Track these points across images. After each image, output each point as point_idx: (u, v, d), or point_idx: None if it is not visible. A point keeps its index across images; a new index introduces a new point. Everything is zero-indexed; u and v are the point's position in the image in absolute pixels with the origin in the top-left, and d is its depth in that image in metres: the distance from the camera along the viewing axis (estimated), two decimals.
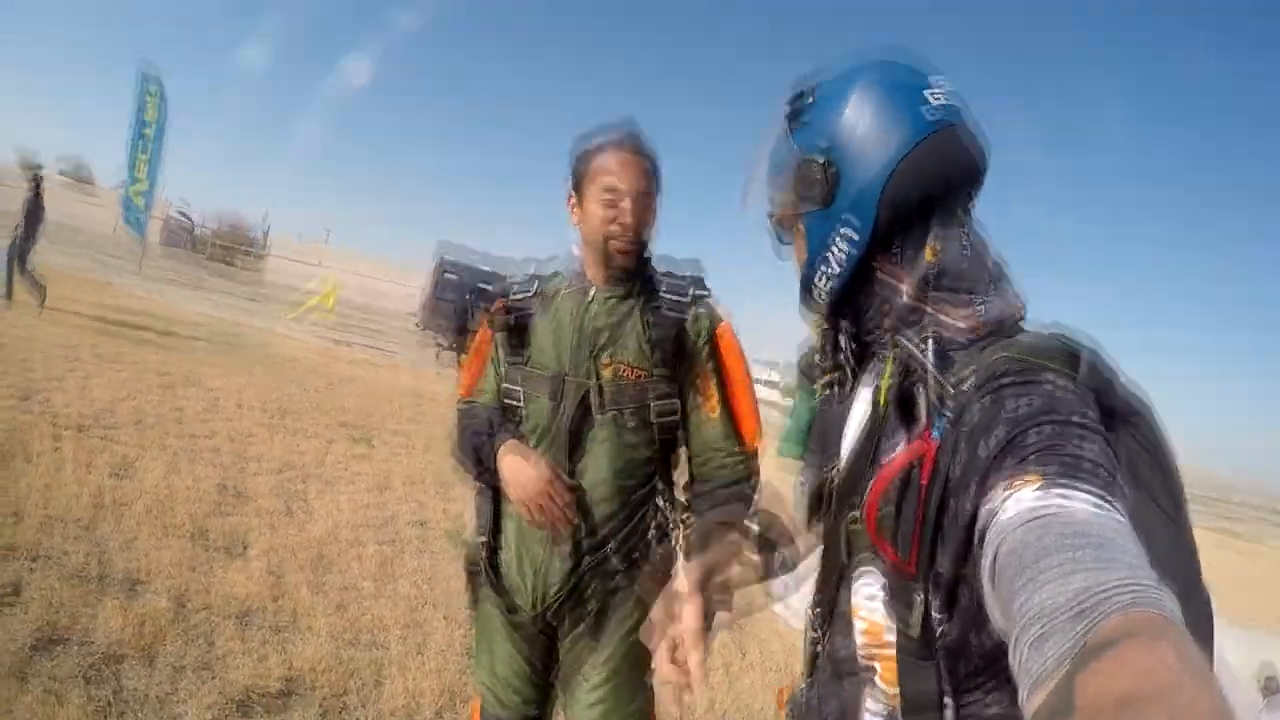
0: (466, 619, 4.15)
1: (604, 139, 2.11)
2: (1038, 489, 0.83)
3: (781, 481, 1.68)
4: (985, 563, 0.85)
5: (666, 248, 2.23)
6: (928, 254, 1.14)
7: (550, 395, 2.08)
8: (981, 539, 0.88)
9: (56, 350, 9.03)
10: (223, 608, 3.76)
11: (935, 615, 1.02)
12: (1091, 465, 0.85)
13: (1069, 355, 1.00)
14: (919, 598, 1.02)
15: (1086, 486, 0.82)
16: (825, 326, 1.31)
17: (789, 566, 1.51)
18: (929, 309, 1.14)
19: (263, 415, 8.15)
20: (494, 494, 2.18)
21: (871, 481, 1.10)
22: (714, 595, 1.39)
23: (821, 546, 1.32)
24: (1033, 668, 0.68)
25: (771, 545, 1.49)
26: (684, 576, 1.37)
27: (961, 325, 1.12)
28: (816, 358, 1.34)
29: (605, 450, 2.06)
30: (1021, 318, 1.15)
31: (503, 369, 2.21)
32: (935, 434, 1.01)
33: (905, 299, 1.16)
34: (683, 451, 2.19)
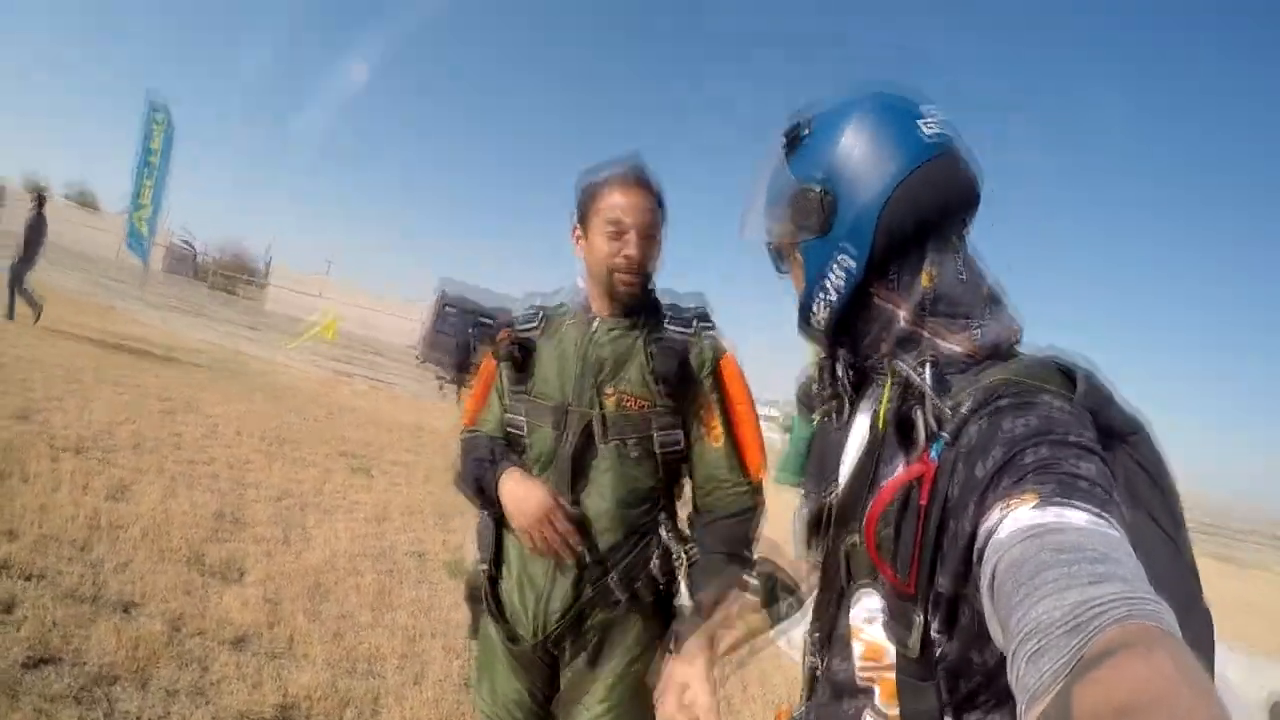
0: (465, 650, 4.11)
1: (609, 172, 2.12)
2: (1034, 507, 0.83)
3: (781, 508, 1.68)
4: (984, 580, 0.85)
5: (669, 283, 2.24)
6: (924, 279, 1.16)
7: (553, 424, 2.08)
8: (980, 557, 0.88)
9: (57, 371, 9.03)
10: (218, 633, 3.70)
11: (935, 635, 1.03)
12: (1088, 484, 0.85)
13: (1066, 376, 1.03)
14: (918, 618, 1.03)
15: (1083, 504, 0.82)
16: (823, 353, 1.33)
17: (793, 612, 1.53)
18: (926, 333, 1.16)
19: (261, 443, 8.10)
20: (496, 522, 2.17)
21: (870, 503, 1.10)
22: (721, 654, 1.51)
23: (820, 570, 1.33)
24: (1029, 682, 0.68)
25: (775, 598, 1.54)
26: (691, 641, 1.51)
27: (958, 349, 1.14)
28: (814, 386, 1.36)
29: (608, 480, 2.05)
30: (1018, 341, 1.17)
31: (506, 398, 2.22)
32: (934, 455, 1.02)
33: (903, 324, 1.17)
34: (687, 482, 2.18)
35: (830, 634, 1.25)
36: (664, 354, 2.03)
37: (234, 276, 53.48)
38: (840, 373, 1.30)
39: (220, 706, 3.08)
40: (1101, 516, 0.81)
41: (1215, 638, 0.99)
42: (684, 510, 2.19)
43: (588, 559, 2.03)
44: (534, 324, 2.20)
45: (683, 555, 2.06)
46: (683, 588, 2.04)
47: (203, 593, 4.12)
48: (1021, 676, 0.70)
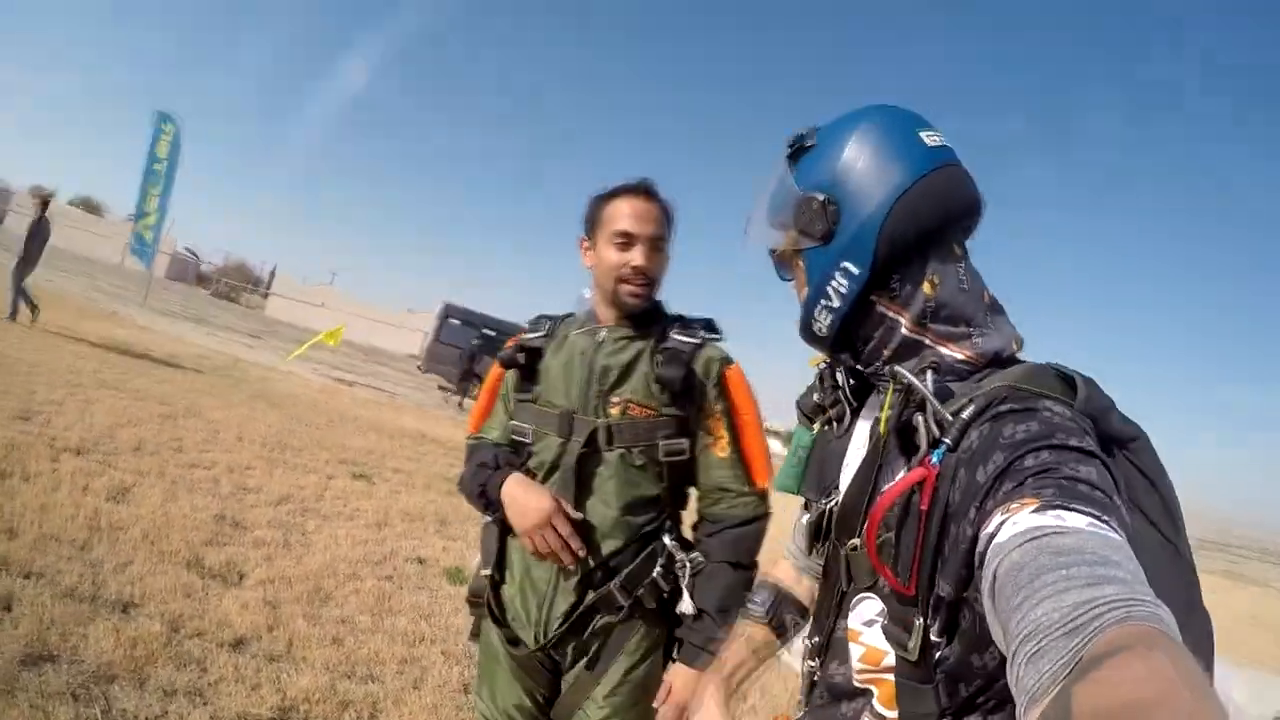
0: (464, 656, 4.09)
1: (619, 185, 2.14)
2: (1034, 511, 0.83)
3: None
4: (984, 584, 0.85)
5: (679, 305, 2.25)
6: (926, 288, 1.18)
7: (559, 432, 2.08)
8: (981, 561, 0.88)
9: (59, 374, 9.05)
10: (216, 635, 3.67)
11: (934, 639, 1.04)
12: (1088, 488, 0.86)
13: (1066, 384, 1.04)
14: (918, 621, 1.04)
15: (1083, 507, 0.82)
16: (825, 361, 1.37)
17: (800, 630, 1.56)
18: (928, 341, 1.18)
19: (263, 449, 8.09)
20: (501, 528, 2.16)
21: (872, 508, 1.11)
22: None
23: (820, 576, 1.35)
24: (1028, 683, 0.68)
25: (782, 619, 1.58)
26: (708, 679, 1.56)
27: (960, 357, 1.16)
28: (815, 395, 1.38)
29: (613, 487, 2.04)
30: (1018, 350, 1.19)
31: (512, 406, 2.23)
32: (935, 460, 1.03)
33: (905, 332, 1.19)
34: (692, 490, 2.18)
35: (829, 638, 1.25)
36: (669, 362, 2.03)
37: (237, 285, 53.64)
38: (841, 381, 1.33)
39: (218, 707, 3.05)
40: (1102, 520, 0.81)
41: (1214, 642, 1.00)
42: (691, 518, 2.19)
43: (590, 564, 2.03)
44: (541, 332, 2.22)
45: (686, 563, 2.05)
46: (685, 595, 2.03)
47: (202, 595, 4.10)
48: (1021, 678, 0.69)
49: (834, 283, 1.20)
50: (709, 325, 2.17)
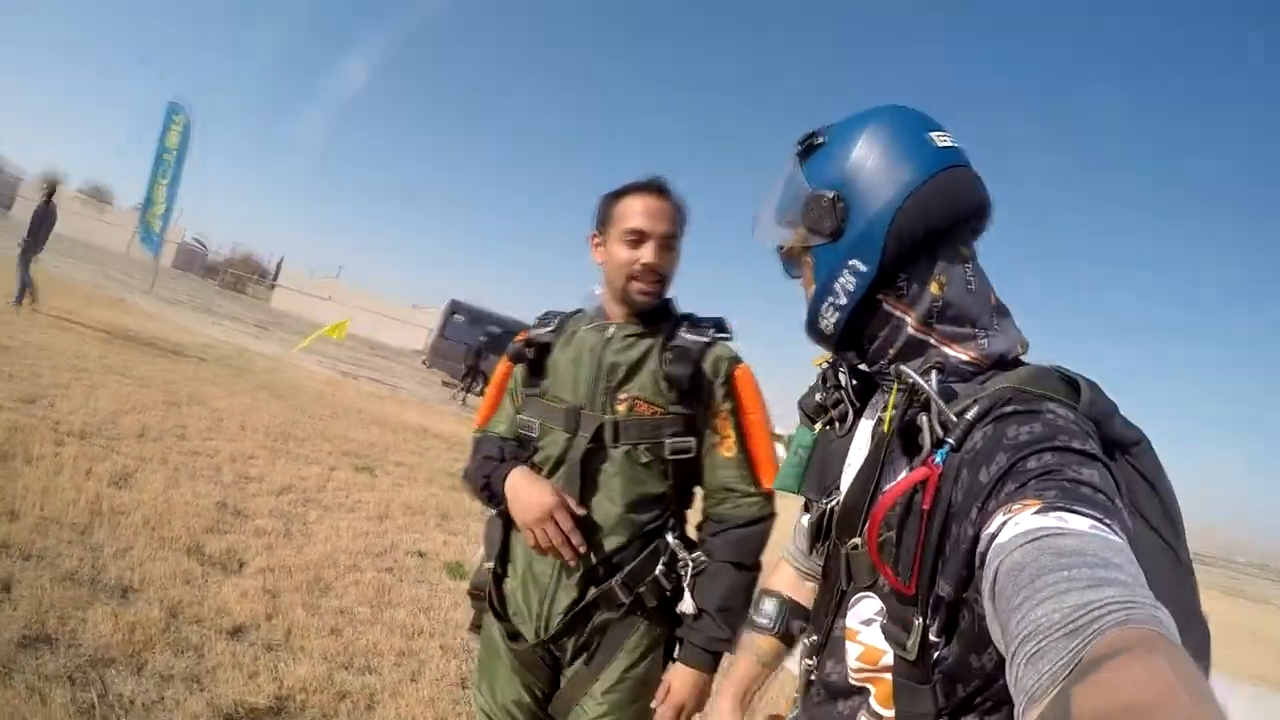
0: (462, 650, 4.08)
1: (631, 182, 2.13)
2: (1036, 512, 0.83)
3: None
4: (985, 584, 0.84)
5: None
6: (933, 287, 1.18)
7: (565, 427, 2.07)
8: (982, 561, 0.88)
9: (66, 358, 9.08)
10: (215, 622, 3.67)
11: (933, 639, 1.04)
12: (1091, 490, 0.86)
13: (1070, 387, 1.04)
14: (918, 621, 1.04)
15: (1085, 509, 0.82)
16: (829, 360, 1.38)
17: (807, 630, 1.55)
18: (934, 341, 1.18)
19: (266, 438, 8.10)
20: (505, 522, 2.15)
21: (874, 507, 1.11)
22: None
23: (820, 575, 1.35)
24: (1028, 684, 0.68)
25: (789, 627, 1.59)
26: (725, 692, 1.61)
27: (964, 358, 1.16)
28: (817, 395, 1.39)
29: (617, 484, 2.03)
30: (1023, 352, 1.20)
31: (520, 400, 2.22)
32: (938, 460, 1.02)
33: (910, 331, 1.19)
34: (698, 489, 2.17)
35: (826, 637, 1.25)
36: (678, 360, 2.02)
37: (244, 276, 53.73)
38: (844, 381, 1.34)
39: (215, 694, 3.04)
40: (1104, 523, 0.80)
41: (1211, 646, 1.01)
42: (696, 518, 2.17)
43: (592, 560, 2.02)
44: (550, 327, 2.21)
45: (689, 562, 2.04)
46: (687, 595, 2.01)
47: (201, 582, 4.09)
48: (1020, 678, 0.69)
49: (841, 280, 1.20)
50: (719, 324, 2.16)
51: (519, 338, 2.22)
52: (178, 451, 6.51)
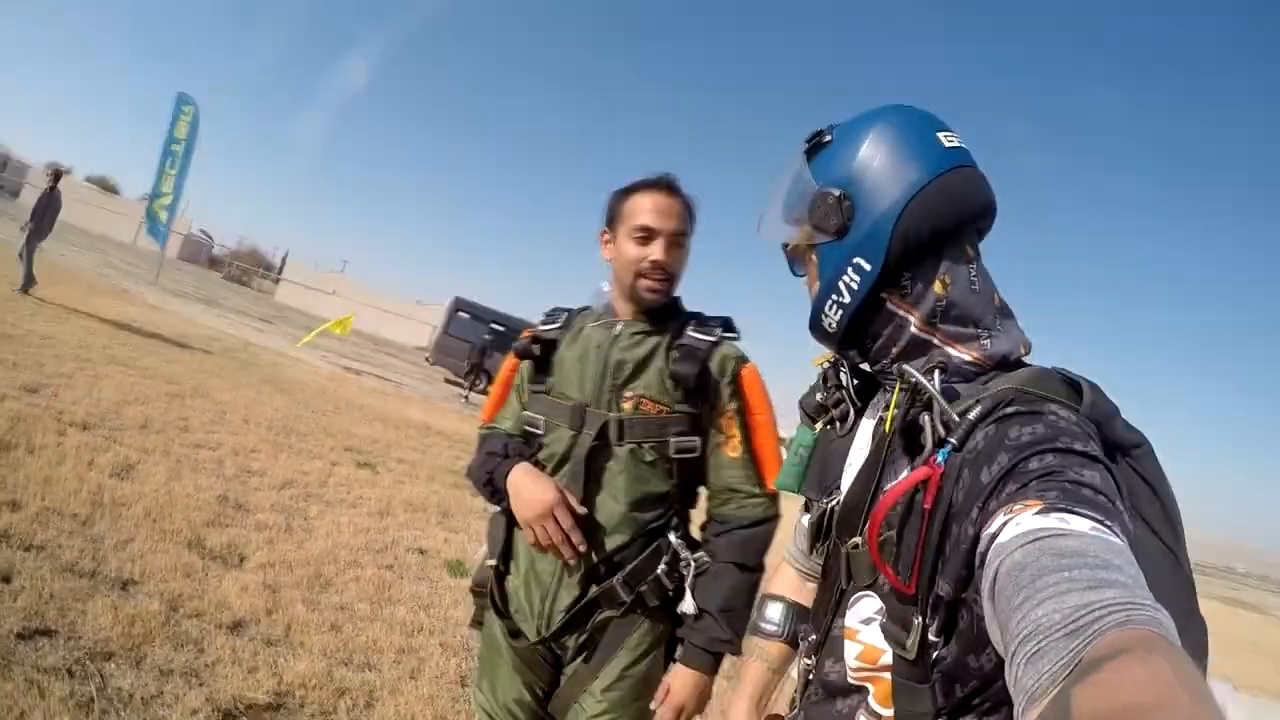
0: (463, 648, 4.07)
1: (641, 179, 2.13)
2: (1037, 513, 0.83)
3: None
4: (985, 584, 0.84)
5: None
6: (937, 287, 1.18)
7: (570, 424, 2.07)
8: (982, 561, 0.88)
9: (69, 348, 9.07)
10: (215, 616, 3.66)
11: (933, 638, 1.04)
12: (1092, 491, 0.86)
13: (1072, 389, 1.05)
14: (917, 620, 1.04)
15: (1086, 511, 0.82)
16: (832, 358, 1.38)
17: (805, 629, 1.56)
18: (937, 341, 1.18)
19: (268, 432, 8.10)
20: (508, 519, 2.14)
21: (875, 506, 1.11)
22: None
23: (820, 575, 1.35)
24: (1028, 684, 0.68)
25: (797, 639, 1.54)
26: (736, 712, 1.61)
27: (967, 358, 1.16)
28: (818, 395, 1.39)
29: (621, 482, 2.03)
30: (1026, 353, 1.20)
31: (525, 397, 2.22)
32: (940, 459, 1.03)
33: (914, 330, 1.19)
34: (703, 490, 2.16)
35: (825, 636, 1.26)
36: (684, 359, 2.01)
37: (249, 269, 53.79)
38: (845, 380, 1.34)
39: (214, 689, 3.03)
40: (1104, 524, 0.80)
41: (1209, 647, 1.00)
42: (700, 518, 2.17)
43: (594, 558, 2.01)
44: (556, 324, 2.21)
45: (691, 562, 2.03)
46: (688, 595, 2.00)
47: (202, 575, 4.08)
48: (1020, 678, 0.69)
49: (845, 278, 1.21)
50: (726, 324, 2.15)
51: (525, 334, 2.21)
52: (180, 444, 6.50)
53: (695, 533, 2.13)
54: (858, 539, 1.16)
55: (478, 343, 23.47)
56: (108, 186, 58.64)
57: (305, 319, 32.80)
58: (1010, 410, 1.01)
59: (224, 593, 3.94)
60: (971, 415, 1.03)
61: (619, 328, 2.10)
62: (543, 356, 2.16)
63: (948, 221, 1.17)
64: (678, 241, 2.07)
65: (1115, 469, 0.95)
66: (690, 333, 2.08)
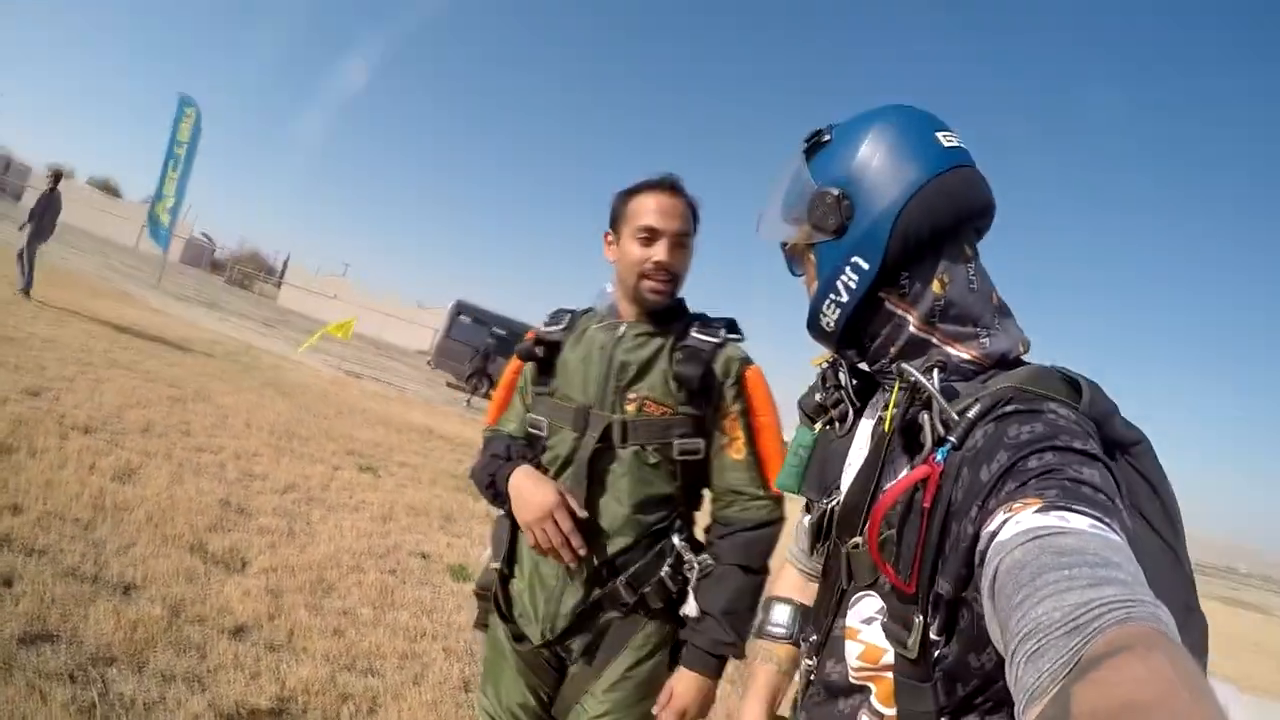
0: (466, 653, 4.06)
1: (644, 180, 2.12)
2: (1037, 511, 0.83)
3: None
4: (985, 582, 0.85)
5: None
6: (936, 286, 1.18)
7: (574, 426, 2.06)
8: (982, 560, 0.88)
9: (71, 351, 9.06)
10: (217, 621, 3.64)
11: (933, 637, 1.04)
12: (1091, 489, 0.86)
13: (1071, 387, 1.05)
14: (918, 619, 1.04)
15: (1085, 509, 0.82)
16: (830, 358, 1.38)
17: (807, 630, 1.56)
18: (935, 340, 1.19)
19: (270, 436, 8.08)
20: (512, 521, 2.13)
21: (875, 504, 1.11)
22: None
23: (821, 575, 1.35)
24: (1028, 682, 0.68)
25: (803, 630, 1.54)
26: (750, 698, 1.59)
27: (966, 357, 1.17)
28: (817, 395, 1.39)
29: (625, 484, 2.02)
30: (1025, 352, 1.20)
31: (529, 399, 2.22)
32: (939, 458, 1.03)
33: (912, 330, 1.20)
34: (707, 493, 2.15)
35: (826, 636, 1.25)
36: (688, 360, 2.01)
37: (250, 272, 53.86)
38: (844, 380, 1.34)
39: (216, 694, 3.01)
40: (1104, 522, 0.80)
41: (1209, 642, 1.00)
42: (705, 520, 2.15)
43: (596, 560, 2.00)
44: (560, 325, 2.20)
45: (695, 564, 2.02)
46: (691, 598, 2.00)
47: (204, 580, 4.07)
48: (1020, 677, 0.69)
49: (844, 277, 1.21)
50: (731, 325, 2.14)
51: (528, 336, 2.21)
52: (182, 447, 6.49)
53: (700, 535, 2.12)
54: (858, 539, 1.16)
55: (480, 346, 23.50)
56: (110, 189, 58.70)
57: (307, 323, 32.84)
58: (1009, 408, 1.01)
59: (226, 597, 3.92)
60: (971, 414, 1.03)
61: (623, 329, 2.09)
62: (546, 358, 2.15)
63: (946, 221, 1.17)
64: (681, 242, 2.07)
65: (1114, 466, 0.96)
66: (694, 334, 2.07)
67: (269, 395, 10.95)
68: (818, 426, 1.42)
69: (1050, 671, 0.65)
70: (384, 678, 3.62)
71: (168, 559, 4.13)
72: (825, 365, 1.40)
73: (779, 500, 2.06)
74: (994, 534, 0.86)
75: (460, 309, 27.30)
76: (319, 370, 17.34)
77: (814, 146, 1.29)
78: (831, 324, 1.25)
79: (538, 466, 2.10)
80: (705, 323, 2.12)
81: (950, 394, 1.10)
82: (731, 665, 2.03)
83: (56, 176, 14.68)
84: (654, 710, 1.95)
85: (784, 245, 1.37)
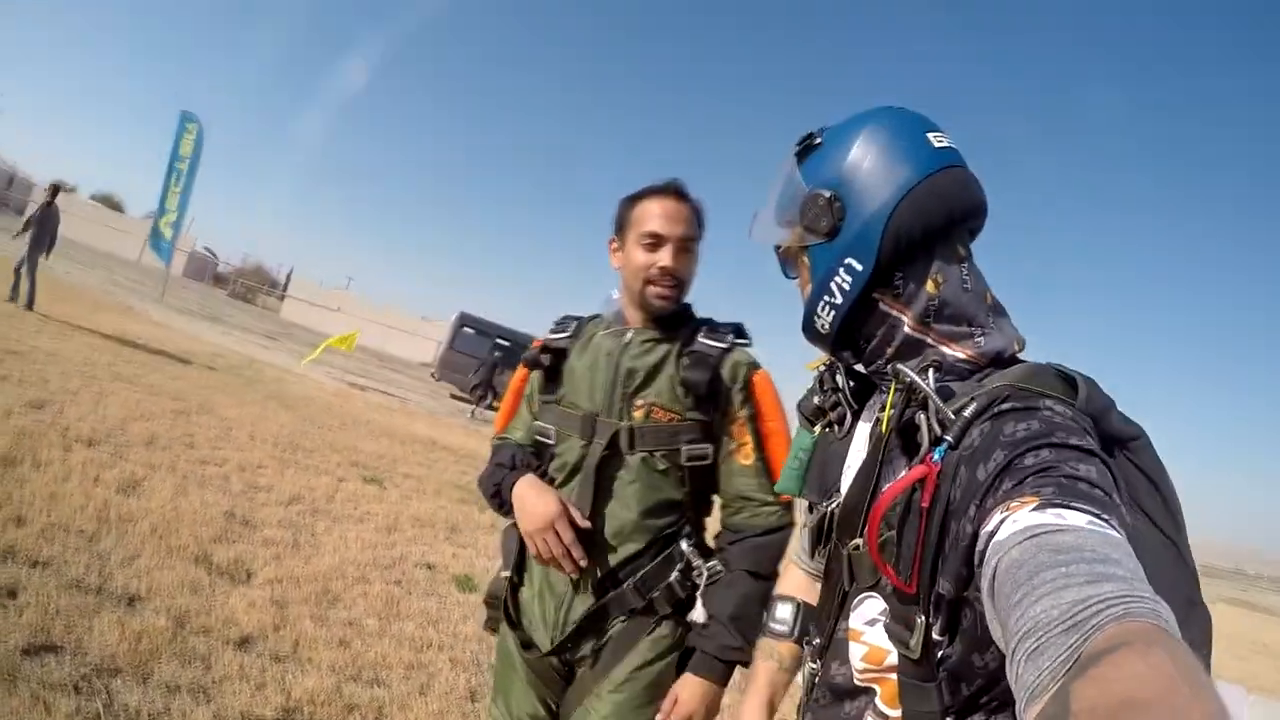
0: (471, 663, 4.04)
1: (649, 185, 2.12)
2: (1034, 509, 0.83)
3: None
4: (985, 582, 0.85)
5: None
6: (929, 287, 1.18)
7: (581, 434, 2.05)
8: (980, 559, 0.88)
9: (75, 365, 9.08)
10: (222, 632, 3.63)
11: (936, 637, 1.04)
12: (1088, 486, 0.86)
13: (1067, 384, 1.05)
14: (920, 619, 1.04)
15: (1082, 505, 0.82)
16: (827, 361, 1.38)
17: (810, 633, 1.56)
18: (930, 340, 1.18)
19: (274, 448, 8.07)
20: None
21: (874, 506, 1.11)
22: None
23: (822, 577, 1.35)
24: (1028, 680, 0.67)
25: (806, 630, 1.53)
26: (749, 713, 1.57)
27: (961, 356, 1.17)
28: (815, 398, 1.39)
29: (633, 491, 2.01)
30: (1020, 350, 1.20)
31: (536, 407, 2.21)
32: (936, 458, 1.03)
33: (907, 330, 1.20)
34: (716, 499, 2.14)
35: (830, 639, 1.25)
36: (695, 366, 2.00)
37: (253, 286, 53.95)
38: (841, 383, 1.34)
39: (221, 705, 3.00)
40: (1101, 518, 0.80)
41: (1213, 636, 1.00)
42: (715, 527, 2.14)
43: (609, 564, 1.99)
44: (566, 333, 2.19)
45: (704, 570, 2.00)
46: (699, 603, 1.98)
47: (209, 591, 4.06)
48: (1020, 675, 0.69)
49: (837, 279, 1.21)
50: (738, 330, 2.13)
51: (534, 344, 2.20)
52: (186, 460, 6.48)
53: (709, 541, 2.11)
54: (858, 540, 1.16)
55: (484, 358, 23.50)
56: (113, 204, 58.89)
57: (310, 335, 32.87)
58: (1005, 406, 1.01)
59: (231, 609, 3.91)
60: (967, 412, 1.03)
61: (629, 335, 2.08)
62: (553, 366, 2.15)
63: (938, 221, 1.17)
64: (686, 247, 2.06)
65: (1112, 462, 0.95)
66: (701, 339, 2.06)
67: (273, 408, 10.95)
68: (817, 429, 1.42)
69: (1050, 669, 0.65)
70: (390, 688, 3.61)
71: (172, 570, 4.12)
72: (822, 368, 1.39)
73: (788, 506, 2.05)
74: (992, 533, 0.86)
75: (463, 321, 27.32)
76: (323, 383, 17.34)
77: (805, 149, 1.29)
78: (826, 326, 1.25)
79: (544, 475, 2.09)
80: (713, 328, 2.11)
81: (946, 393, 1.10)
82: (738, 673, 2.01)
83: (54, 190, 14.76)
84: (658, 718, 1.93)
85: (777, 248, 1.37)
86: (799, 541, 1.65)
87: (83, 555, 3.93)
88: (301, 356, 20.61)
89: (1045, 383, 1.04)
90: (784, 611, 1.61)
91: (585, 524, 1.97)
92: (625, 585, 1.99)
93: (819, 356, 1.40)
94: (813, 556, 1.49)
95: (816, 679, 1.28)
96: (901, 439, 1.13)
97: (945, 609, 1.02)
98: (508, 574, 2.14)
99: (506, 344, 24.97)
